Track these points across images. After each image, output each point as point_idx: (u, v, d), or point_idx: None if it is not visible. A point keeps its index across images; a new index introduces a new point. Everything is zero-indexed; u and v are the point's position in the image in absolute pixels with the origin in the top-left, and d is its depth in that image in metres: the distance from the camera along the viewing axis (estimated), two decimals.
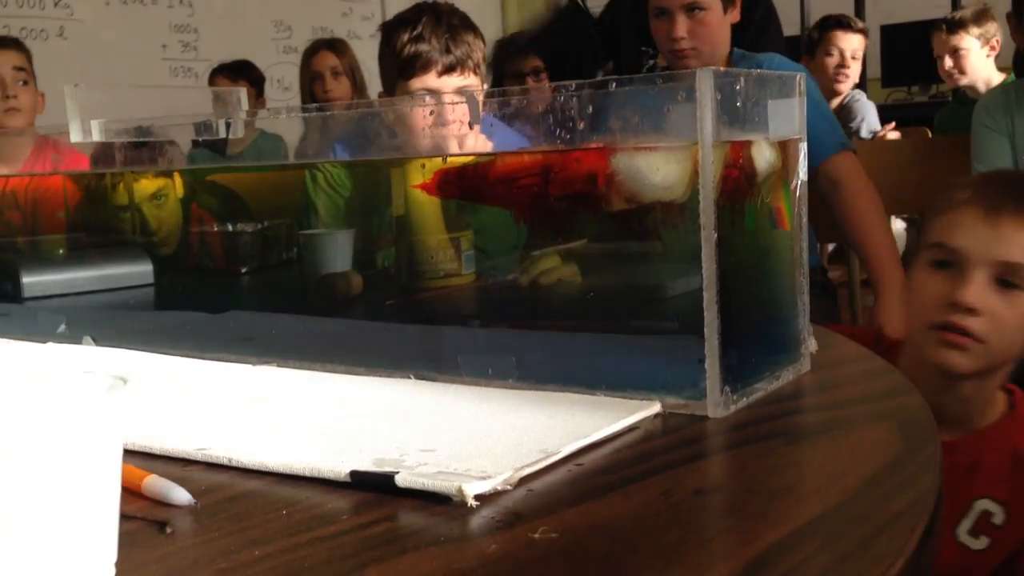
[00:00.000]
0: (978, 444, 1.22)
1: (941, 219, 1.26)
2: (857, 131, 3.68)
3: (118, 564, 0.46)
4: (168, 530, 0.52)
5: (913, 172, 2.76)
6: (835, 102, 3.64)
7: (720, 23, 2.11)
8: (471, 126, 0.79)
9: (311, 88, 3.50)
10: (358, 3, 5.76)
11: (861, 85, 4.42)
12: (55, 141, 2.48)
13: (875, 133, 3.76)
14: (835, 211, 2.12)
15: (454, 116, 0.82)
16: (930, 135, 3.75)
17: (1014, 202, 1.20)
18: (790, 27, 4.75)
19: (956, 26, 3.53)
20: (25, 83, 2.71)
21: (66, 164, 2.40)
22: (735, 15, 2.15)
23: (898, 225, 2.78)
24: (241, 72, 3.81)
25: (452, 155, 0.81)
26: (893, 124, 3.88)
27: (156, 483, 0.56)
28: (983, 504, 1.18)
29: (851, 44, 3.62)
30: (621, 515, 0.51)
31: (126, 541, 0.47)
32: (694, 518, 0.50)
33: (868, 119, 3.80)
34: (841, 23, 3.66)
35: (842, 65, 3.62)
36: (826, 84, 3.56)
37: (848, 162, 2.11)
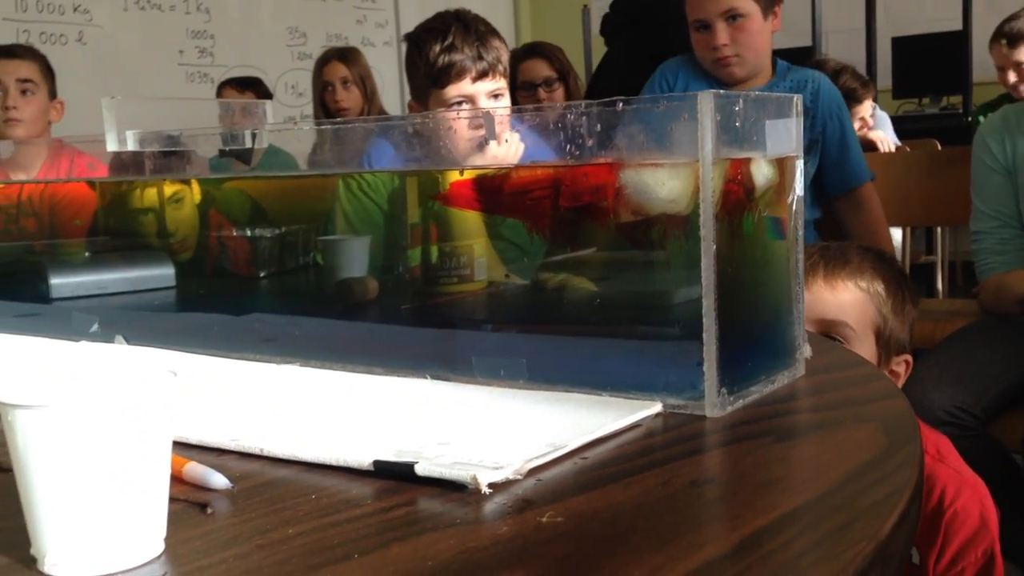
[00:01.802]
0: None
1: None
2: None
3: (166, 539, 0.51)
4: (208, 511, 0.57)
5: (921, 184, 2.80)
6: None
7: (761, 30, 2.17)
8: (487, 141, 0.84)
9: (322, 97, 3.56)
10: (372, 10, 5.82)
11: (872, 97, 4.47)
12: (71, 148, 2.52)
13: (898, 146, 3.81)
14: (851, 233, 2.24)
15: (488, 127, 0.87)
16: (939, 147, 3.78)
17: (824, 267, 1.35)
18: (801, 37, 4.80)
19: (1018, 39, 3.54)
20: (31, 93, 2.73)
21: (81, 171, 2.46)
22: (776, 23, 2.20)
23: (896, 235, 2.82)
24: (249, 85, 3.89)
25: (473, 167, 0.86)
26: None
27: (196, 469, 0.61)
28: None
29: (858, 113, 3.69)
30: (622, 502, 0.55)
31: (171, 520, 0.52)
32: (689, 505, 0.55)
33: (886, 131, 3.86)
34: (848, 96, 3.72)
35: None
36: None
37: (872, 192, 2.27)
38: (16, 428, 0.47)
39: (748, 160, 0.75)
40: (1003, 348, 1.91)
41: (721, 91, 0.71)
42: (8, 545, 0.52)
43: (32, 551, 0.50)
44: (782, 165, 0.79)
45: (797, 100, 0.81)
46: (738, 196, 0.74)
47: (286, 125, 2.37)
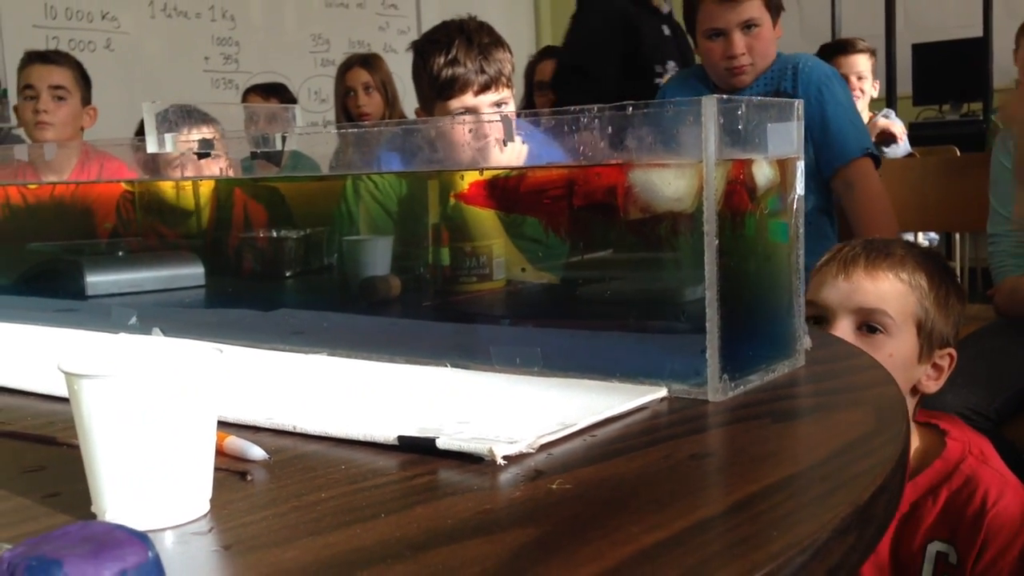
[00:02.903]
0: (912, 493, 1.31)
1: (811, 282, 1.42)
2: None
3: (211, 501, 0.57)
4: (248, 478, 0.62)
5: (939, 190, 2.83)
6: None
7: (771, 36, 2.21)
8: (505, 143, 0.89)
9: (344, 102, 3.62)
10: (395, 17, 5.88)
11: (891, 103, 4.50)
12: (102, 152, 2.59)
13: (910, 153, 3.83)
14: (847, 214, 2.20)
15: (492, 132, 0.92)
16: (958, 153, 3.81)
17: (865, 258, 1.37)
18: (823, 39, 4.83)
19: None
20: (63, 99, 2.82)
21: (111, 173, 2.53)
22: (779, 29, 2.24)
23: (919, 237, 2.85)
24: (274, 92, 3.96)
25: (487, 168, 0.92)
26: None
27: (236, 442, 0.66)
28: (935, 547, 1.28)
29: (855, 67, 3.66)
30: (626, 472, 0.60)
31: (215, 486, 0.58)
32: (688, 475, 0.60)
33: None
34: (841, 48, 3.72)
35: (850, 88, 3.71)
36: None
37: (865, 167, 2.17)
38: (82, 397, 0.52)
39: (750, 161, 0.80)
40: (1016, 350, 1.94)
41: (724, 96, 0.76)
42: (71, 506, 0.57)
43: (92, 508, 0.55)
44: (783, 166, 0.84)
45: (798, 104, 0.86)
46: (740, 195, 0.79)
47: (315, 128, 2.44)
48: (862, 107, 3.71)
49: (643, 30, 2.86)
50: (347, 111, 3.62)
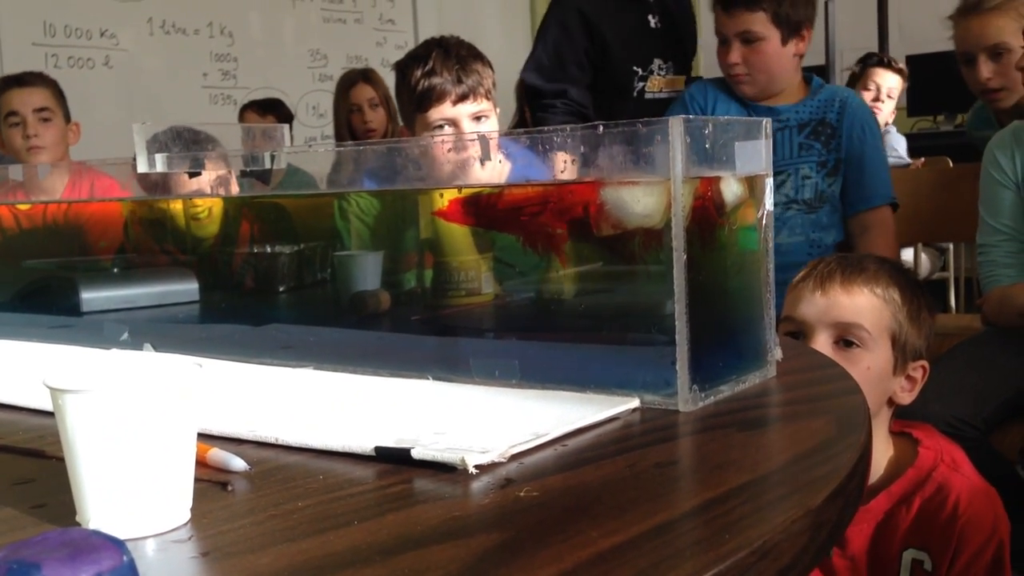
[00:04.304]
0: (887, 502, 1.35)
1: (788, 298, 1.44)
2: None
3: (192, 511, 0.59)
4: (229, 488, 0.64)
5: (931, 200, 2.85)
6: None
7: (777, 53, 2.22)
8: (483, 162, 0.92)
9: (349, 119, 3.62)
10: (392, 32, 5.92)
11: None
12: (92, 170, 2.59)
13: (908, 164, 3.89)
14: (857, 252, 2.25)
15: (474, 149, 0.94)
16: (951, 164, 3.85)
17: (841, 274, 1.40)
18: (815, 56, 4.86)
19: None
20: (49, 120, 2.80)
21: (102, 191, 2.54)
22: (800, 47, 2.25)
23: (907, 255, 2.87)
24: (270, 108, 3.98)
25: (467, 186, 0.94)
26: (922, 160, 4.01)
27: (218, 454, 0.69)
28: (911, 554, 1.32)
29: (888, 82, 3.81)
30: (592, 480, 0.63)
31: (196, 496, 0.60)
32: (650, 482, 0.62)
33: (900, 151, 3.95)
34: (882, 62, 3.85)
35: (877, 99, 3.79)
36: None
37: (887, 216, 2.26)
38: (65, 411, 0.55)
39: (718, 178, 0.83)
40: (1004, 360, 1.96)
41: (690, 116, 0.79)
42: (57, 516, 0.60)
43: (77, 518, 0.58)
44: (751, 183, 0.87)
45: (766, 123, 0.88)
46: (708, 211, 0.82)
47: (302, 148, 2.47)
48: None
49: (612, 27, 2.48)
50: (352, 128, 3.61)
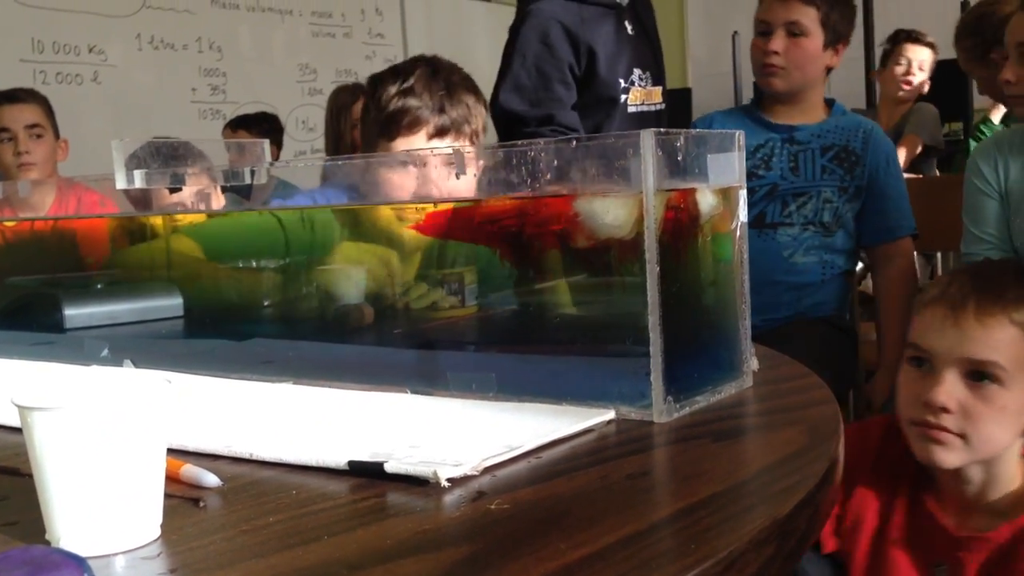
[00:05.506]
0: (1009, 532, 1.25)
1: (916, 320, 1.33)
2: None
3: (163, 527, 0.59)
4: (201, 504, 0.64)
5: (917, 210, 2.87)
6: (901, 110, 3.86)
7: (816, 54, 2.20)
8: (459, 176, 0.92)
9: (351, 134, 3.57)
10: (381, 46, 5.92)
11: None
12: (79, 186, 2.58)
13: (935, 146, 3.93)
14: (877, 282, 2.25)
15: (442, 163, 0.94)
16: (937, 173, 3.88)
17: (976, 300, 1.26)
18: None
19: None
20: (40, 136, 2.78)
21: (89, 208, 2.54)
22: (835, 59, 2.23)
23: None
24: (255, 123, 3.97)
25: (444, 200, 0.95)
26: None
27: (191, 470, 0.69)
28: None
29: (919, 55, 3.86)
30: (563, 491, 0.63)
31: (168, 513, 0.60)
32: (621, 494, 0.63)
33: (929, 129, 3.96)
34: (911, 36, 3.90)
35: (908, 73, 3.84)
36: (892, 92, 3.88)
37: (909, 247, 2.24)
38: (33, 428, 0.55)
39: (691, 190, 0.83)
40: None
41: (663, 130, 0.79)
42: (27, 534, 0.60)
43: (47, 536, 0.58)
44: (725, 194, 0.87)
45: (739, 135, 0.89)
46: (681, 223, 0.82)
47: (282, 163, 2.46)
48: (907, 96, 3.85)
49: (597, 36, 2.20)
50: (353, 142, 3.57)
